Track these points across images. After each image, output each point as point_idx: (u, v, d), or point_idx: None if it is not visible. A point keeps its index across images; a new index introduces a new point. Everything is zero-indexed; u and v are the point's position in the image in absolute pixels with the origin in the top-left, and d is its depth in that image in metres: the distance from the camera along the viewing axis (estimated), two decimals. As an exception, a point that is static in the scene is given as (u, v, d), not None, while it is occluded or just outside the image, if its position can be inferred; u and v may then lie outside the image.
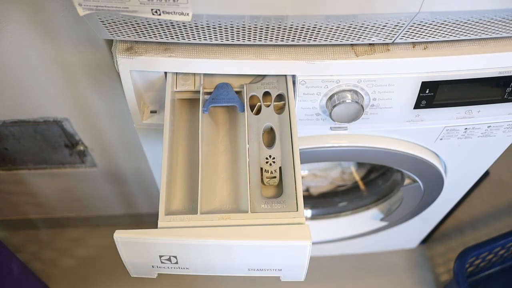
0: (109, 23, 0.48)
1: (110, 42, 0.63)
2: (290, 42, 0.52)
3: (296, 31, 0.49)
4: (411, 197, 0.88)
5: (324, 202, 1.08)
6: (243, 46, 0.54)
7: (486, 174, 0.86)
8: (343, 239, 1.08)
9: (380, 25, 0.49)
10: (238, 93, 0.57)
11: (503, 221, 1.31)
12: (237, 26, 0.48)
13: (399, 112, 0.61)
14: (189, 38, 0.51)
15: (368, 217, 1.03)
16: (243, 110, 0.54)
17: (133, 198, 1.16)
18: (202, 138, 0.52)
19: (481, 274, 1.13)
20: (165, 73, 0.57)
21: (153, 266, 0.47)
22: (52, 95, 0.75)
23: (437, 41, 0.54)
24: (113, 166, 0.99)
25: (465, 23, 0.49)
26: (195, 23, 0.48)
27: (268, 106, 0.55)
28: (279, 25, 0.48)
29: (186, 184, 0.52)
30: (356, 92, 0.57)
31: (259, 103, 0.55)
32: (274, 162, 0.52)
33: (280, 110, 0.56)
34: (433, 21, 0.48)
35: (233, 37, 0.51)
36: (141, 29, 0.49)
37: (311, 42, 0.52)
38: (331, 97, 0.57)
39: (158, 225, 0.46)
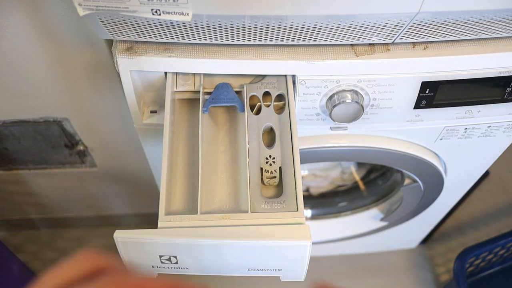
0: (109, 23, 0.48)
1: (110, 42, 0.63)
2: (290, 42, 0.52)
3: (296, 31, 0.49)
4: (411, 197, 0.88)
5: (324, 202, 1.08)
6: (243, 46, 0.54)
7: (486, 174, 0.86)
8: (343, 239, 1.08)
9: (380, 25, 0.49)
10: (238, 93, 0.57)
11: (503, 221, 1.31)
12: (237, 26, 0.48)
13: (399, 112, 0.61)
14: (189, 38, 0.51)
15: (368, 217, 1.03)
16: (243, 110, 0.54)
17: (133, 198, 1.16)
18: (202, 138, 0.52)
19: (481, 274, 1.13)
20: (165, 73, 0.57)
21: (153, 266, 0.47)
22: (52, 95, 0.75)
23: (437, 41, 0.54)
24: (113, 166, 0.99)
25: (465, 23, 0.49)
26: (195, 23, 0.48)
27: (268, 106, 0.55)
28: (279, 25, 0.48)
29: (186, 184, 0.52)
30: (356, 92, 0.57)
31: (259, 103, 0.55)
32: (274, 162, 0.52)
33: (280, 110, 0.56)
34: (433, 21, 0.48)
35: (233, 37, 0.51)
36: (141, 29, 0.49)
37: (311, 42, 0.52)
38: (331, 97, 0.57)
39: (158, 225, 0.46)
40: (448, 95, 0.59)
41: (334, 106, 0.57)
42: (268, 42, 0.52)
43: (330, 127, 0.65)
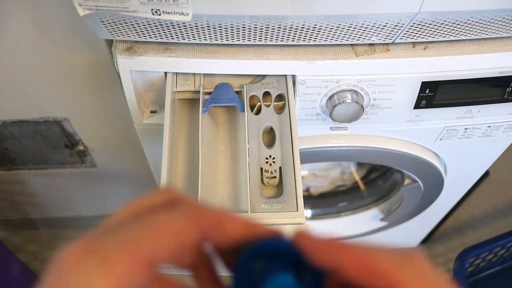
0: (109, 23, 0.48)
1: (110, 42, 0.63)
2: (290, 42, 0.52)
3: (296, 31, 0.49)
4: (411, 197, 0.88)
5: (324, 202, 1.08)
6: (243, 46, 0.54)
7: (486, 174, 0.86)
8: (343, 239, 1.08)
9: (380, 25, 0.49)
10: (238, 93, 0.57)
11: (503, 221, 1.31)
12: (237, 26, 0.48)
13: (399, 112, 0.61)
14: (189, 38, 0.51)
15: (368, 217, 1.03)
16: (243, 110, 0.54)
17: (133, 198, 1.16)
18: (202, 138, 0.52)
19: (481, 274, 1.13)
20: (165, 73, 0.57)
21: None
22: (52, 95, 0.75)
23: (437, 41, 0.54)
24: (113, 166, 0.99)
25: (465, 23, 0.49)
26: (195, 23, 0.48)
27: (268, 106, 0.55)
28: (279, 25, 0.48)
29: (186, 184, 0.52)
30: (356, 92, 0.57)
31: (259, 103, 0.55)
32: (274, 162, 0.52)
33: (280, 110, 0.56)
34: (433, 21, 0.48)
35: (233, 37, 0.51)
36: (141, 29, 0.49)
37: (311, 42, 0.52)
38: (331, 97, 0.57)
39: (158, 225, 0.46)
40: (448, 95, 0.59)
41: (334, 106, 0.57)
42: (268, 42, 0.52)
43: (330, 127, 0.65)
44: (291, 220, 0.47)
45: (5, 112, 0.79)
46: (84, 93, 0.75)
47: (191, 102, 0.58)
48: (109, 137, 0.88)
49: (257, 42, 0.52)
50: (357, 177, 1.07)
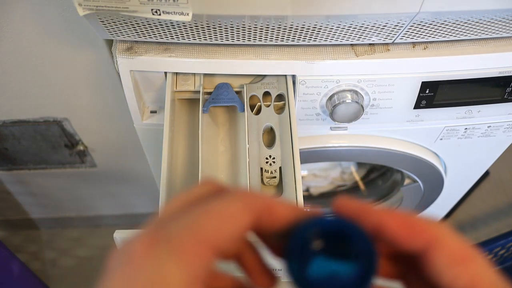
0: (109, 23, 0.48)
1: (110, 42, 0.63)
2: (290, 42, 0.52)
3: (296, 31, 0.49)
4: (411, 197, 0.88)
5: (324, 202, 1.08)
6: (243, 46, 0.54)
7: (486, 174, 0.87)
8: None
9: (380, 25, 0.49)
10: (238, 93, 0.57)
11: (503, 221, 1.31)
12: (237, 26, 0.48)
13: (399, 112, 0.61)
14: (189, 38, 0.51)
15: (368, 217, 1.03)
16: (243, 110, 0.54)
17: (133, 198, 1.16)
18: (202, 138, 0.52)
19: (481, 274, 1.12)
20: (165, 73, 0.57)
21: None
22: (52, 95, 0.75)
23: (437, 41, 0.54)
24: (113, 166, 0.99)
25: (465, 23, 0.49)
26: (195, 23, 0.48)
27: (268, 106, 0.55)
28: (279, 25, 0.48)
29: (186, 184, 0.52)
30: (356, 92, 0.57)
31: (259, 103, 0.55)
32: (274, 162, 0.52)
33: (280, 110, 0.56)
34: (433, 21, 0.48)
35: (233, 37, 0.51)
36: (141, 29, 0.49)
37: (311, 42, 0.52)
38: (331, 97, 0.57)
39: (158, 225, 0.46)
40: (448, 95, 0.59)
41: (334, 106, 0.57)
42: (268, 42, 0.52)
43: (330, 127, 0.65)
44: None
45: (5, 112, 0.79)
46: (84, 93, 0.75)
47: (191, 102, 0.58)
48: (109, 137, 0.88)
49: (257, 42, 0.52)
50: (357, 177, 1.07)
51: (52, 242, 1.29)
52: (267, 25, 0.48)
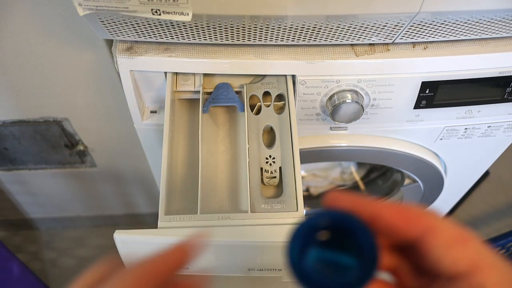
0: (109, 23, 0.48)
1: (110, 42, 0.63)
2: (290, 42, 0.52)
3: (296, 31, 0.49)
4: (411, 197, 0.88)
5: (324, 202, 1.08)
6: (243, 46, 0.54)
7: (486, 174, 0.87)
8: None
9: (380, 25, 0.49)
10: (238, 93, 0.57)
11: (503, 221, 1.31)
12: (237, 26, 0.48)
13: (399, 112, 0.61)
14: (189, 38, 0.51)
15: (368, 217, 1.03)
16: (243, 110, 0.54)
17: (133, 198, 1.16)
18: (202, 138, 0.52)
19: (481, 274, 1.13)
20: (165, 73, 0.57)
21: (153, 266, 0.47)
22: (52, 95, 0.75)
23: (437, 41, 0.54)
24: (113, 166, 1.00)
25: (465, 23, 0.49)
26: (195, 23, 0.48)
27: (268, 106, 0.55)
28: (279, 25, 0.48)
29: (186, 184, 0.52)
30: (356, 92, 0.57)
31: (259, 103, 0.55)
32: (274, 162, 0.52)
33: (280, 110, 0.56)
34: (433, 21, 0.48)
35: (233, 37, 0.51)
36: (141, 29, 0.49)
37: (311, 42, 0.52)
38: (331, 97, 0.57)
39: (158, 225, 0.46)
40: (448, 95, 0.59)
41: (334, 106, 0.57)
42: (268, 42, 0.52)
43: (330, 127, 0.65)
44: (291, 220, 0.47)
45: (5, 112, 0.80)
46: (84, 93, 0.75)
47: (191, 102, 0.58)
48: (109, 137, 0.88)
49: (257, 42, 0.52)
50: (357, 177, 1.07)
51: (52, 242, 1.29)
52: (267, 25, 0.48)
